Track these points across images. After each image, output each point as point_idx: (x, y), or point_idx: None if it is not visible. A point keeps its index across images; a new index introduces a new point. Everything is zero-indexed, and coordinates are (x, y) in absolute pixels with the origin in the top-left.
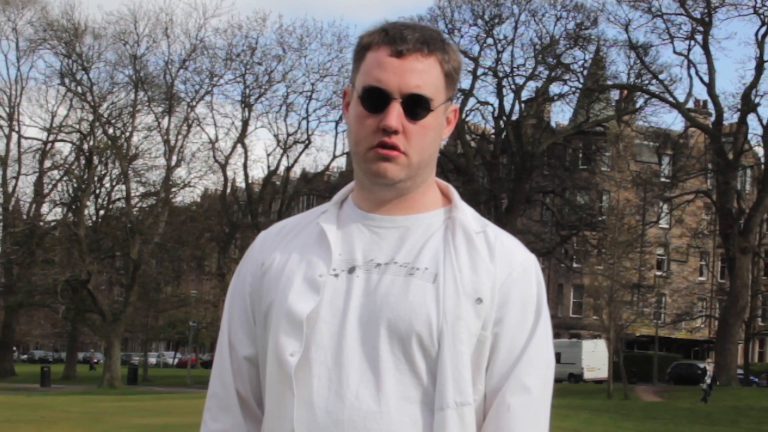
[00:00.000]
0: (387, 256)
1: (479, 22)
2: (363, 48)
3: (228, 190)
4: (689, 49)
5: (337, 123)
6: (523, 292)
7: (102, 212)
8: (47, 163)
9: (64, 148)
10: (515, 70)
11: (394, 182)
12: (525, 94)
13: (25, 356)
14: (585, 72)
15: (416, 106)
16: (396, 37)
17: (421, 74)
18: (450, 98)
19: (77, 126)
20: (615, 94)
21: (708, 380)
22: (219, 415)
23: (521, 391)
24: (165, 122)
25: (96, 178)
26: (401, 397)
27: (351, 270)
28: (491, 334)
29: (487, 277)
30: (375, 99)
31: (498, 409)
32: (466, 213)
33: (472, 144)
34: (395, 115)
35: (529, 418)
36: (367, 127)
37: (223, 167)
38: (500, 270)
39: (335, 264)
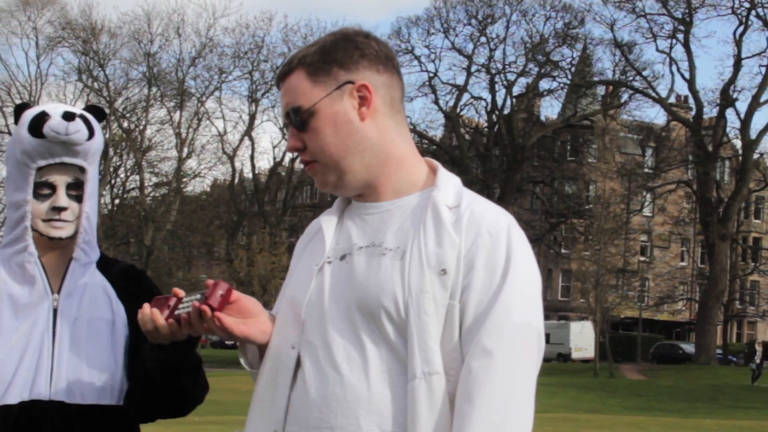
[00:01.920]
0: (368, 240)
1: (473, 21)
2: None
3: (236, 181)
4: (671, 47)
5: None
6: (489, 256)
7: (117, 201)
8: None
9: None
10: (507, 67)
11: (330, 188)
12: (516, 90)
13: None
14: (573, 69)
15: (294, 122)
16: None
17: (288, 93)
18: (339, 86)
19: None
20: (601, 90)
21: (758, 360)
22: None
23: (482, 354)
24: (176, 116)
25: (111, 169)
26: (383, 371)
27: (342, 257)
28: (459, 302)
29: (451, 248)
30: (285, 124)
31: (463, 373)
32: (446, 189)
33: (466, 137)
34: (292, 136)
35: (490, 382)
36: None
37: (232, 159)
38: (465, 239)
39: (329, 252)
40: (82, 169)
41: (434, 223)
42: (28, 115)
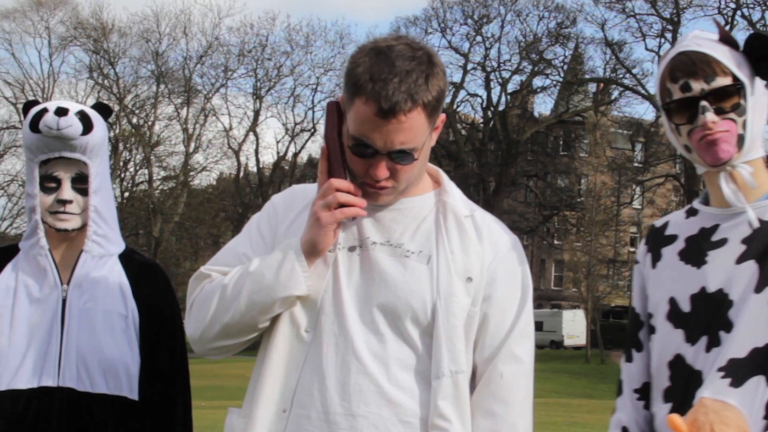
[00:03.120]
0: (382, 237)
1: (469, 21)
2: (353, 88)
3: (241, 174)
4: (660, 46)
5: None
6: (509, 271)
7: (127, 194)
8: None
9: None
10: (502, 65)
11: (384, 205)
12: (511, 87)
13: None
14: (565, 67)
15: (401, 159)
16: (380, 95)
17: (405, 132)
18: (436, 119)
19: None
20: (592, 87)
21: None
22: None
23: (513, 360)
24: (184, 112)
25: (121, 163)
26: (402, 366)
27: (351, 248)
28: (480, 310)
29: (476, 258)
30: (363, 149)
31: (491, 376)
32: (455, 196)
33: (463, 132)
34: (382, 167)
35: (521, 384)
36: (358, 164)
37: (237, 153)
38: (488, 251)
39: (338, 240)
40: (86, 164)
41: (458, 232)
42: (32, 111)
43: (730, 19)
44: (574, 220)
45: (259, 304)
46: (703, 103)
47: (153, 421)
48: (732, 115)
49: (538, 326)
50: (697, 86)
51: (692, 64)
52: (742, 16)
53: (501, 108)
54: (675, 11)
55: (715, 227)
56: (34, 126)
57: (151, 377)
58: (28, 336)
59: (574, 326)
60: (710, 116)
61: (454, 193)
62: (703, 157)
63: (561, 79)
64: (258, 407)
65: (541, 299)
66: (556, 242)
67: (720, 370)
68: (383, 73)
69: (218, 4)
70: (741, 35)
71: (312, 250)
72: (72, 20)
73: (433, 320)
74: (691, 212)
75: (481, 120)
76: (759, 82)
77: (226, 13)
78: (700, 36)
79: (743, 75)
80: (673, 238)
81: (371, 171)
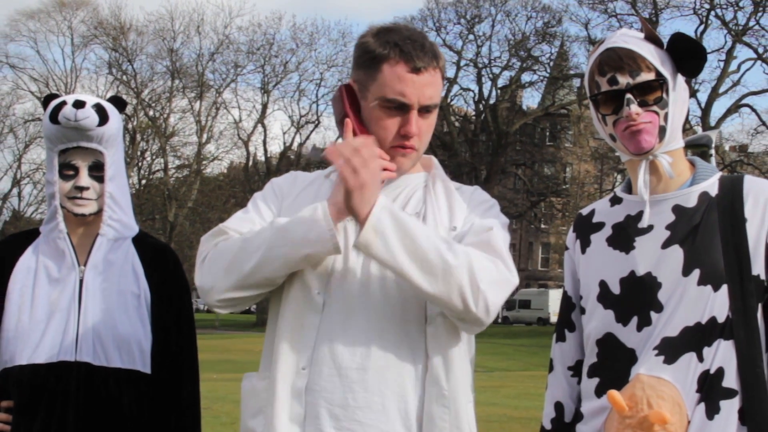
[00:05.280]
0: None
1: (462, 21)
2: (377, 59)
3: (250, 163)
4: None
5: None
6: (478, 210)
7: (144, 181)
8: None
9: None
10: (492, 61)
11: (403, 173)
12: (501, 82)
13: None
14: (551, 63)
15: (429, 114)
16: (411, 55)
17: (432, 86)
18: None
19: None
20: (576, 82)
21: None
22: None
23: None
24: (197, 106)
25: (139, 153)
26: (404, 317)
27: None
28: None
29: (459, 211)
30: (396, 108)
31: (479, 233)
32: (445, 175)
33: (456, 124)
34: (415, 122)
35: (500, 240)
36: (387, 130)
37: (246, 144)
38: (467, 203)
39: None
40: (102, 153)
41: (445, 193)
42: (51, 104)
43: (704, 19)
44: (560, 206)
45: (283, 258)
46: (628, 95)
47: (162, 392)
48: (654, 108)
49: (526, 304)
50: (623, 80)
51: (619, 60)
52: (716, 16)
53: (492, 101)
54: (653, 12)
55: (640, 214)
56: (54, 117)
57: (162, 352)
58: (47, 314)
59: (559, 304)
60: (634, 108)
61: (442, 170)
62: (626, 146)
63: (547, 75)
64: (279, 366)
65: (529, 279)
66: (542, 226)
67: (654, 348)
68: (405, 39)
69: (229, 4)
70: (715, 33)
71: (339, 213)
72: (92, 20)
73: None
74: (616, 200)
75: (473, 113)
76: (680, 79)
77: (236, 13)
78: (627, 34)
79: (666, 71)
80: (600, 226)
81: (405, 128)
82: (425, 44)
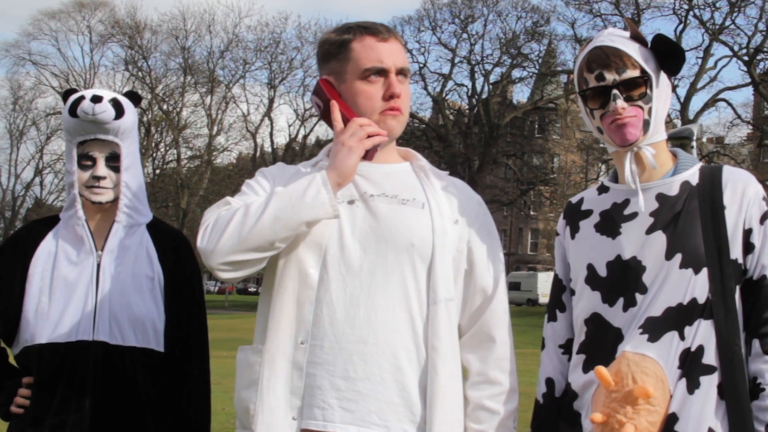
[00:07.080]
0: (377, 190)
1: (456, 20)
2: (344, 43)
3: (257, 154)
4: None
5: None
6: (483, 220)
7: (158, 171)
8: None
9: None
10: (485, 59)
11: (395, 137)
12: (492, 78)
13: None
14: (540, 60)
15: (404, 76)
16: (373, 29)
17: (401, 53)
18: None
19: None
20: (564, 78)
21: None
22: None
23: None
24: (208, 100)
25: (153, 144)
26: (403, 297)
27: (351, 202)
28: (465, 246)
29: (458, 205)
30: (377, 75)
31: (480, 302)
32: (429, 165)
33: (451, 117)
34: (397, 83)
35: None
36: (372, 98)
37: (254, 136)
38: (463, 199)
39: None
40: (119, 144)
41: (441, 185)
42: (70, 99)
43: (683, 19)
44: (548, 194)
45: (284, 220)
46: (615, 91)
47: (175, 369)
48: (639, 103)
49: (516, 286)
50: (610, 76)
51: (606, 57)
52: (694, 16)
53: (484, 96)
54: (636, 11)
55: (626, 202)
56: (73, 111)
57: (174, 331)
58: (66, 296)
59: (547, 286)
60: (620, 103)
61: (429, 163)
62: (612, 138)
63: (536, 71)
64: (276, 340)
65: (519, 263)
66: (531, 213)
67: (639, 327)
68: (360, 23)
69: (239, 5)
70: (694, 32)
71: (338, 178)
72: (110, 20)
73: (432, 256)
74: (603, 189)
75: (467, 107)
76: (663, 75)
77: (245, 13)
78: (614, 33)
79: (650, 68)
80: (588, 213)
81: (390, 89)
82: (381, 24)
